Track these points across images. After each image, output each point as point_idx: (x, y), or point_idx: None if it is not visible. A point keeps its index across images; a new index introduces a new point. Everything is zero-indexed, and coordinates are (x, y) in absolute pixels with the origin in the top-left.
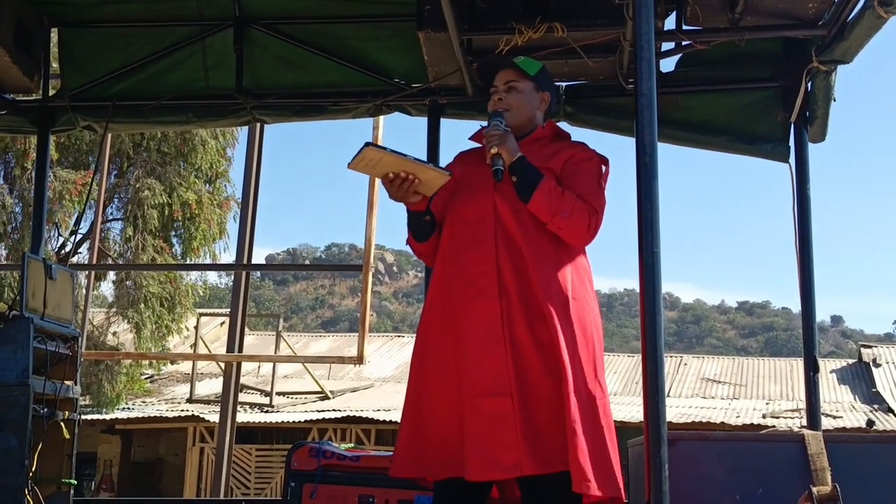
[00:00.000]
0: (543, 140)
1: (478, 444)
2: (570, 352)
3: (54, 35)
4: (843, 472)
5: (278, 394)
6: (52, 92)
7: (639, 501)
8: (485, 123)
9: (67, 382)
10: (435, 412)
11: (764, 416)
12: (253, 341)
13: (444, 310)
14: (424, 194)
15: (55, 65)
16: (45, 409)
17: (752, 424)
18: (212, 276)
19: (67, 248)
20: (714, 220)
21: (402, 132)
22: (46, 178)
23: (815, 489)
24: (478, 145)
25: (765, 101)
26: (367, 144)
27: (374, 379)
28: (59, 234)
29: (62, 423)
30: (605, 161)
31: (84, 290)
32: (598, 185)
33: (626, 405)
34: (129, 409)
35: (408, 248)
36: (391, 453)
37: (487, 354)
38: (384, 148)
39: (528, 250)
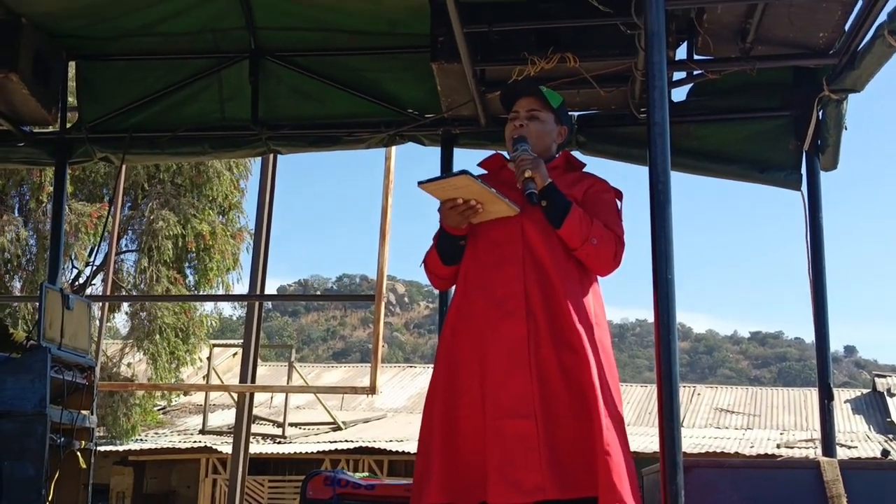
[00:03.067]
0: (559, 170)
1: (500, 467)
2: (598, 376)
3: (72, 68)
4: (859, 500)
5: (290, 424)
6: (69, 124)
7: None
8: (496, 151)
9: (84, 412)
10: (466, 435)
11: (778, 446)
12: (265, 372)
13: (469, 331)
14: (473, 221)
15: (72, 98)
16: (62, 439)
17: (766, 454)
18: (226, 308)
19: (82, 280)
20: (726, 249)
21: (413, 162)
22: (64, 209)
23: None
24: (484, 171)
25: (776, 129)
26: (463, 172)
27: (387, 409)
28: (74, 266)
29: (78, 453)
30: (620, 194)
31: (98, 322)
32: (618, 215)
33: (639, 435)
34: (141, 440)
35: (419, 279)
36: (407, 482)
37: (512, 376)
38: (476, 178)
39: (556, 274)
